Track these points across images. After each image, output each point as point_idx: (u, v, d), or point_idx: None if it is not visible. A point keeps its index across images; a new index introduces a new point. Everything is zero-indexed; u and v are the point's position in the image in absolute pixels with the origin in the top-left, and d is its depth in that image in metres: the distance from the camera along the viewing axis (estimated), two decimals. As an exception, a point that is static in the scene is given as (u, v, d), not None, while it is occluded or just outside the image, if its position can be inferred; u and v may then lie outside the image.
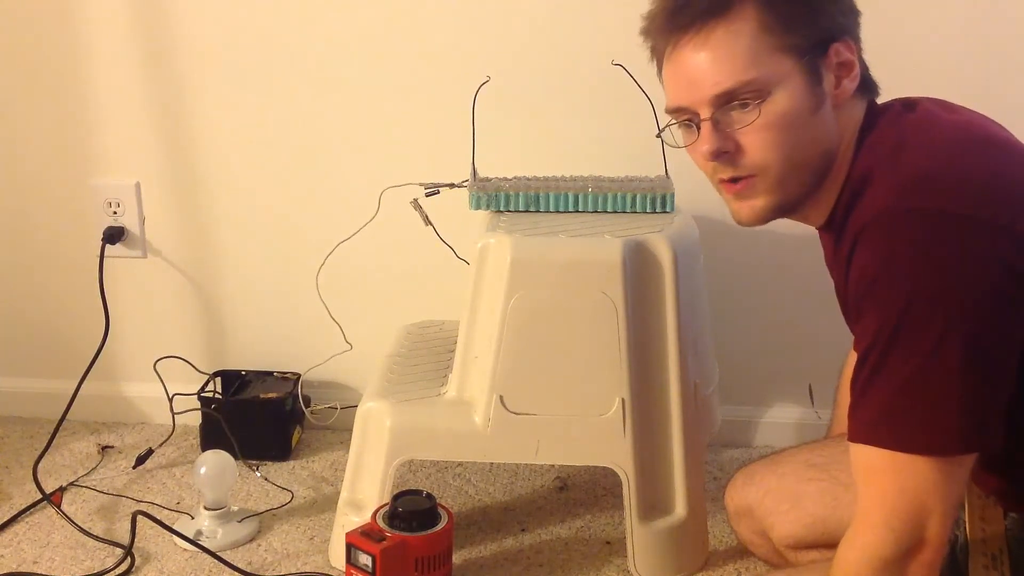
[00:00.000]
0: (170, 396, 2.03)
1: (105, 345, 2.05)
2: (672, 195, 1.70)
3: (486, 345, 1.57)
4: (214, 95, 2.02)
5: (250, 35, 1.99)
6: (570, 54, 1.92)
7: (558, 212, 1.71)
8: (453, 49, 1.94)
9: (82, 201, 2.09)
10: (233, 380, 2.11)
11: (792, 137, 1.15)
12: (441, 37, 1.95)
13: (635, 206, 1.70)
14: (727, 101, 1.15)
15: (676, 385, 1.59)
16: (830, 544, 1.22)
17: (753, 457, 1.89)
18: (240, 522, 1.74)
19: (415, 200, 1.75)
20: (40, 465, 1.94)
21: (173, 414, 2.03)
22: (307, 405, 2.07)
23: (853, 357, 1.16)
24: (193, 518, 1.74)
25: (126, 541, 1.68)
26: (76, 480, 1.92)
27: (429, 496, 1.57)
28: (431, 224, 1.77)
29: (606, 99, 1.89)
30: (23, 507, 1.81)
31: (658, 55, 1.22)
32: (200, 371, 2.10)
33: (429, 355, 1.80)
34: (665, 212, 1.70)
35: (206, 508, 1.73)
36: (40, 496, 1.84)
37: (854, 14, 1.20)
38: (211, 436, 1.98)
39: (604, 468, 1.61)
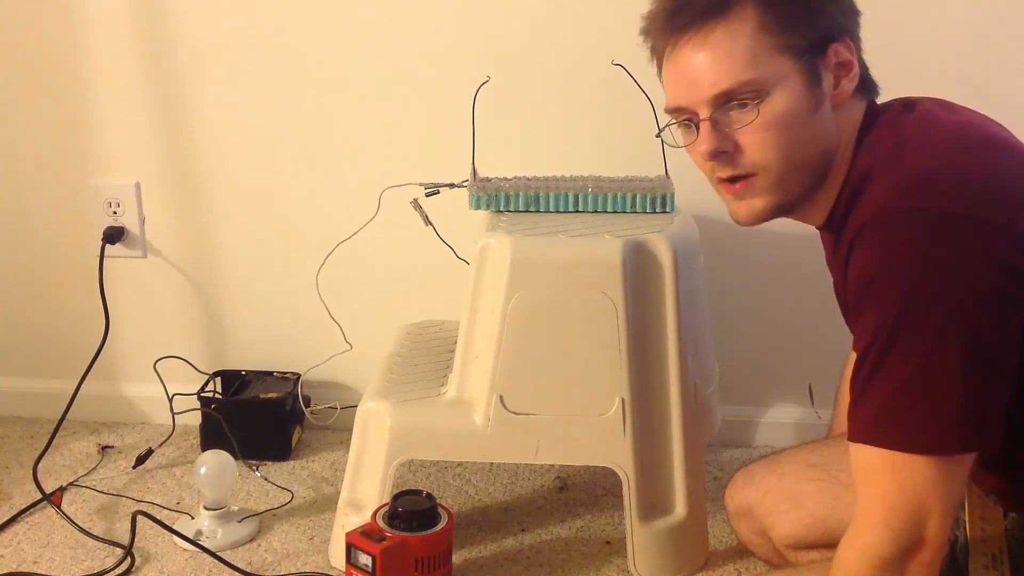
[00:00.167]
0: (170, 396, 2.03)
1: (105, 345, 2.05)
2: (672, 195, 1.70)
3: (486, 345, 1.57)
4: (214, 95, 2.02)
5: (250, 35, 1.99)
6: (570, 54, 1.92)
7: (558, 212, 1.71)
8: (453, 49, 1.94)
9: (82, 201, 2.09)
10: (233, 380, 2.11)
11: (791, 137, 1.16)
12: (441, 37, 1.95)
13: (635, 206, 1.70)
14: (726, 101, 1.15)
15: (676, 385, 1.59)
16: (830, 544, 1.22)
17: (753, 457, 1.89)
18: (240, 522, 1.74)
19: (415, 200, 1.75)
20: (40, 465, 1.94)
21: (173, 414, 2.03)
22: (307, 405, 2.07)
23: (854, 357, 1.16)
24: (193, 518, 1.74)
25: (126, 541, 1.68)
26: (76, 480, 1.92)
27: (429, 496, 1.57)
28: (431, 224, 1.77)
29: (606, 99, 1.89)
30: (23, 507, 1.81)
31: (658, 55, 1.23)
32: (200, 371, 2.10)
33: (429, 355, 1.80)
34: (665, 212, 1.70)
35: (206, 508, 1.73)
36: (40, 496, 1.84)
37: (853, 14, 1.21)
38: (211, 436, 1.98)
39: (604, 468, 1.61)
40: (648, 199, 1.70)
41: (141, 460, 1.98)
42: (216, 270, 2.12)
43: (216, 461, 1.74)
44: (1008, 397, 1.08)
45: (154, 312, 2.14)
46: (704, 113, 1.17)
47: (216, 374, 2.10)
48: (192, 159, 2.06)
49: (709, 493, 1.76)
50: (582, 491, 1.89)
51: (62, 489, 1.87)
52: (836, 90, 1.17)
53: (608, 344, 1.54)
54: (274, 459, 2.00)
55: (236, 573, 1.62)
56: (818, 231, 1.29)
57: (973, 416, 1.07)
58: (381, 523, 1.54)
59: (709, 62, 1.15)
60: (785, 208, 1.21)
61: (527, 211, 1.71)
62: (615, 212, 1.71)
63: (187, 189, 2.08)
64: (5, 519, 1.77)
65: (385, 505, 1.57)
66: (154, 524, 1.69)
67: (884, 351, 1.07)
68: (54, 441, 2.00)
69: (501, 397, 1.56)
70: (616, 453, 1.57)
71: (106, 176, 2.09)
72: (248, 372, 2.12)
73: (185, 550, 1.68)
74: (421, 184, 1.75)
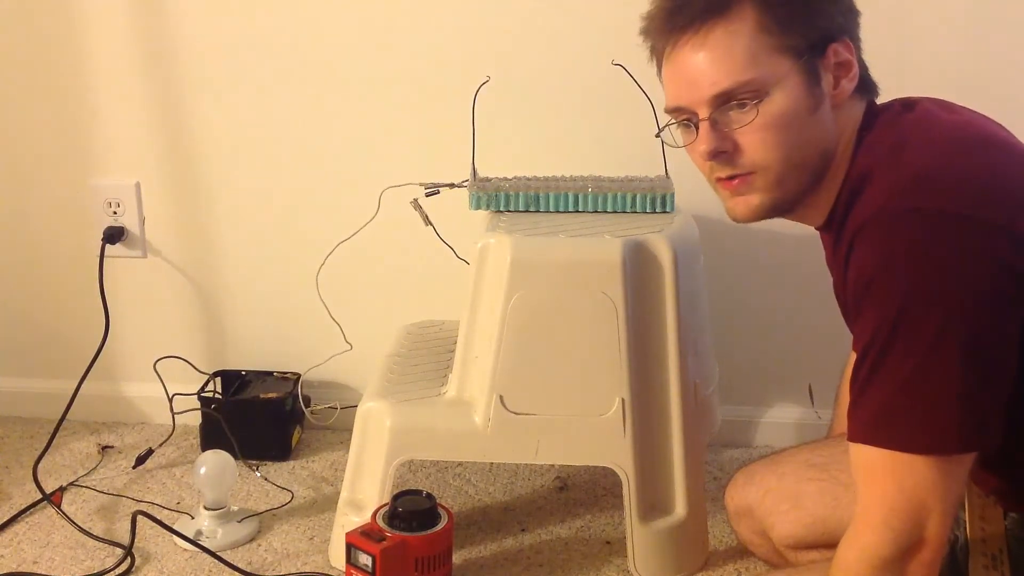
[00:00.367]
0: (170, 396, 2.03)
1: (105, 345, 2.05)
2: (672, 195, 1.70)
3: (486, 345, 1.57)
4: (214, 95, 2.02)
5: (250, 35, 1.99)
6: (570, 54, 1.92)
7: (558, 212, 1.71)
8: (453, 49, 1.94)
9: (82, 201, 2.09)
10: (233, 380, 2.11)
11: (790, 137, 1.16)
12: (441, 37, 1.95)
13: (635, 206, 1.70)
14: (725, 101, 1.15)
15: (676, 385, 1.59)
16: (830, 544, 1.22)
17: (753, 457, 1.89)
18: (240, 522, 1.74)
19: (415, 200, 1.75)
20: (40, 465, 1.94)
21: (173, 414, 2.03)
22: (307, 405, 2.07)
23: (854, 357, 1.16)
24: (193, 518, 1.74)
25: (126, 541, 1.68)
26: (76, 480, 1.92)
27: (429, 496, 1.57)
28: (431, 224, 1.77)
29: (606, 99, 1.89)
30: (23, 507, 1.81)
31: (657, 55, 1.23)
32: (200, 371, 2.10)
33: (429, 355, 1.80)
34: (665, 212, 1.70)
35: (206, 508, 1.73)
36: (40, 496, 1.84)
37: (853, 14, 1.21)
38: (211, 436, 1.98)
39: (604, 468, 1.61)
40: (648, 199, 1.70)
41: (141, 460, 1.98)
42: (216, 270, 2.12)
43: (216, 461, 1.74)
44: (1008, 397, 1.08)
45: (154, 312, 2.14)
46: (703, 113, 1.17)
47: (216, 374, 2.10)
48: (192, 159, 2.06)
49: (709, 493, 1.76)
50: (582, 491, 1.89)
51: (62, 489, 1.87)
52: (835, 90, 1.17)
53: (608, 344, 1.54)
54: (274, 459, 2.00)
55: (236, 573, 1.62)
56: (818, 232, 1.29)
57: (973, 416, 1.06)
58: (381, 523, 1.54)
59: (708, 62, 1.15)
60: (782, 207, 1.21)
61: (527, 211, 1.71)
62: (615, 212, 1.71)
63: (187, 189, 2.08)
64: (5, 519, 1.77)
65: (385, 505, 1.57)
66: (154, 524, 1.69)
67: (883, 351, 1.07)
68: (54, 441, 2.00)
69: (501, 397, 1.56)
70: (616, 453, 1.57)
71: (106, 176, 2.09)
72: (248, 372, 2.12)
73: (185, 550, 1.68)
74: (421, 184, 1.75)
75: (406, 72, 1.96)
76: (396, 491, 1.59)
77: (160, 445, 2.03)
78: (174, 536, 1.69)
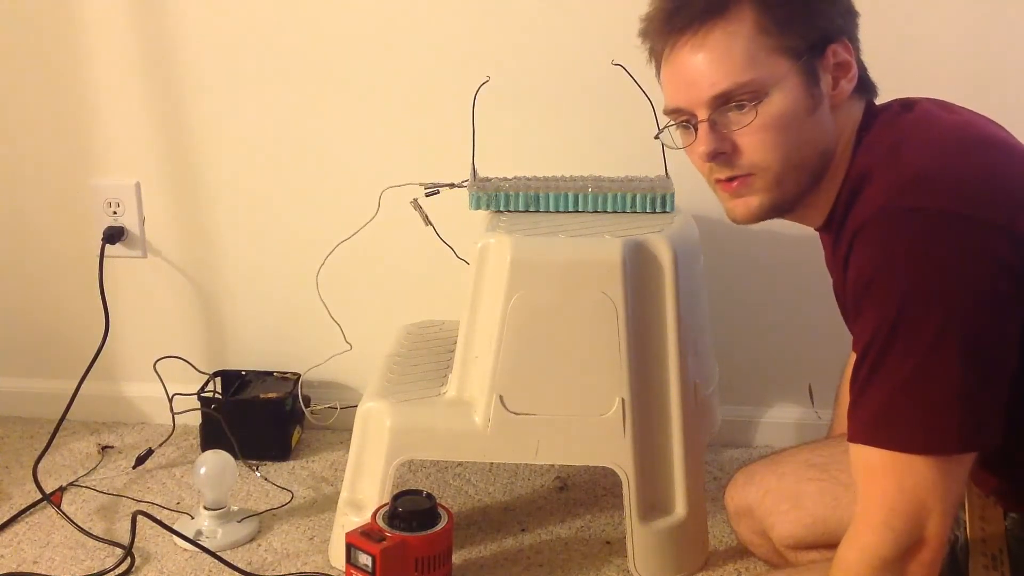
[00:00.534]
0: (170, 396, 2.03)
1: (105, 345, 2.05)
2: (672, 195, 1.70)
3: (486, 345, 1.57)
4: (214, 95, 2.02)
5: (250, 35, 1.99)
6: (570, 54, 1.92)
7: (558, 212, 1.71)
8: (453, 49, 1.94)
9: (82, 201, 2.09)
10: (233, 380, 2.11)
11: (789, 138, 1.16)
12: (441, 37, 1.95)
13: (635, 206, 1.70)
14: (724, 102, 1.15)
15: (676, 385, 1.59)
16: (830, 544, 1.22)
17: (753, 457, 1.89)
18: (240, 522, 1.74)
19: (415, 200, 1.75)
20: (40, 465, 1.94)
21: (173, 414, 2.03)
22: (307, 405, 2.08)
23: (854, 357, 1.16)
24: (193, 518, 1.74)
25: (126, 541, 1.68)
26: (76, 480, 1.92)
27: (429, 496, 1.57)
28: (431, 224, 1.77)
29: (606, 99, 1.89)
30: (23, 507, 1.81)
31: (656, 57, 1.23)
32: (200, 371, 2.10)
33: (429, 355, 1.80)
34: (665, 212, 1.70)
35: (206, 508, 1.73)
36: (40, 496, 1.84)
37: (852, 15, 1.21)
38: (211, 436, 1.98)
39: (604, 468, 1.61)
40: (648, 199, 1.70)
41: (141, 460, 1.98)
42: (216, 270, 2.12)
43: (216, 461, 1.74)
44: (1007, 397, 1.08)
45: (154, 312, 2.14)
46: (702, 114, 1.17)
47: (216, 374, 2.10)
48: (192, 159, 2.06)
49: (709, 493, 1.76)
50: (582, 491, 1.89)
51: (62, 489, 1.87)
52: (834, 91, 1.17)
53: (608, 344, 1.54)
54: (274, 459, 2.00)
55: (236, 573, 1.62)
56: (818, 232, 1.29)
57: (973, 416, 1.06)
58: (381, 523, 1.54)
59: (707, 63, 1.15)
60: (782, 207, 1.21)
61: (527, 211, 1.71)
62: (615, 212, 1.71)
63: (187, 189, 2.08)
64: (5, 519, 1.78)
65: (385, 505, 1.58)
66: (154, 524, 1.69)
67: (883, 351, 1.07)
68: (54, 441, 2.00)
69: (501, 397, 1.56)
70: (616, 453, 1.57)
71: (106, 176, 2.09)
72: (248, 372, 2.12)
73: (185, 550, 1.68)
74: (421, 184, 1.75)
75: (406, 72, 1.96)
76: (396, 491, 1.59)
77: (160, 445, 2.03)
78: (174, 536, 1.69)
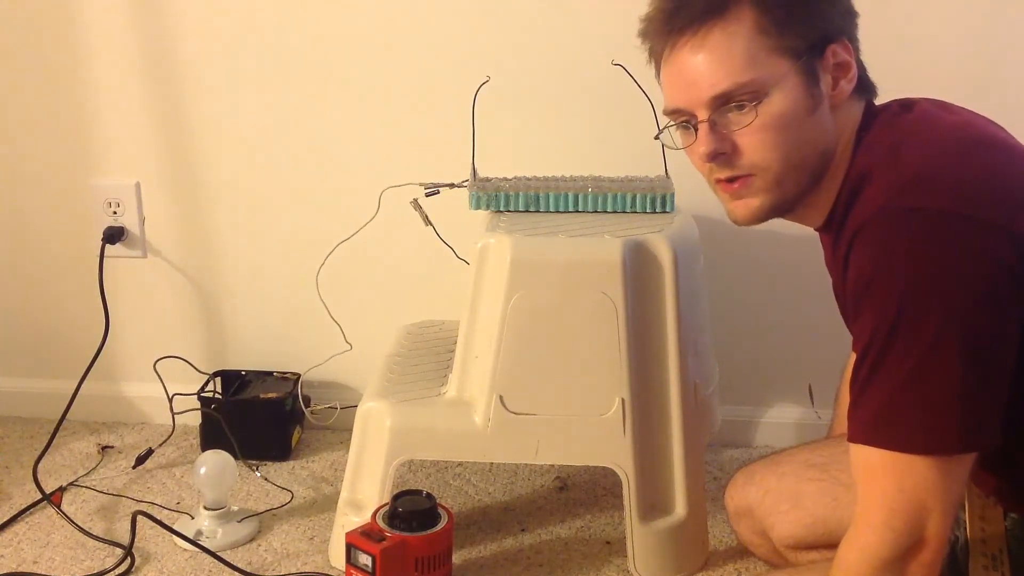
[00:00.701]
0: (170, 396, 2.03)
1: (105, 345, 2.05)
2: (672, 195, 1.70)
3: (486, 345, 1.57)
4: (214, 95, 2.02)
5: (250, 35, 1.99)
6: (570, 54, 1.92)
7: (558, 212, 1.71)
8: (453, 49, 1.94)
9: (82, 201, 2.09)
10: (233, 380, 2.11)
11: (789, 138, 1.16)
12: (441, 37, 1.95)
13: (635, 206, 1.70)
14: (724, 103, 1.15)
15: (676, 385, 1.59)
16: (830, 544, 1.22)
17: (753, 457, 1.89)
18: (240, 522, 1.74)
19: (415, 200, 1.75)
20: (40, 465, 1.94)
21: (173, 414, 2.03)
22: (307, 405, 2.08)
23: (854, 357, 1.16)
24: (193, 518, 1.74)
25: (126, 541, 1.68)
26: (76, 480, 1.92)
27: (429, 496, 1.57)
28: (431, 224, 1.77)
29: (606, 99, 1.89)
30: (23, 507, 1.81)
31: (656, 57, 1.23)
32: (200, 371, 2.10)
33: (429, 355, 1.80)
34: (665, 212, 1.70)
35: (206, 508, 1.73)
36: (40, 496, 1.84)
37: (851, 15, 1.21)
38: (211, 436, 1.98)
39: (604, 468, 1.61)
40: (648, 199, 1.70)
41: (141, 460, 1.98)
42: (216, 270, 2.12)
43: (216, 461, 1.74)
44: (1007, 397, 1.08)
45: (154, 312, 2.14)
46: (702, 115, 1.17)
47: (216, 374, 2.10)
48: (192, 159, 2.06)
49: (709, 493, 1.76)
50: (582, 491, 1.89)
51: (62, 489, 1.87)
52: (834, 91, 1.17)
53: (608, 344, 1.54)
54: (274, 459, 2.00)
55: (236, 573, 1.62)
56: (818, 232, 1.29)
57: (972, 416, 1.07)
58: (381, 523, 1.54)
59: (707, 64, 1.15)
60: (782, 208, 1.21)
61: (527, 211, 1.71)
62: (615, 212, 1.71)
63: (187, 189, 2.08)
64: (5, 519, 1.78)
65: (385, 505, 1.58)
66: (154, 524, 1.69)
67: (883, 351, 1.07)
68: (54, 441, 2.00)
69: (501, 397, 1.56)
70: (616, 453, 1.57)
71: (106, 176, 2.09)
72: (248, 372, 2.12)
73: (185, 550, 1.68)
74: (421, 184, 1.75)
75: (406, 72, 1.96)
76: (396, 491, 1.59)
77: (160, 445, 2.03)
78: (174, 536, 1.69)
